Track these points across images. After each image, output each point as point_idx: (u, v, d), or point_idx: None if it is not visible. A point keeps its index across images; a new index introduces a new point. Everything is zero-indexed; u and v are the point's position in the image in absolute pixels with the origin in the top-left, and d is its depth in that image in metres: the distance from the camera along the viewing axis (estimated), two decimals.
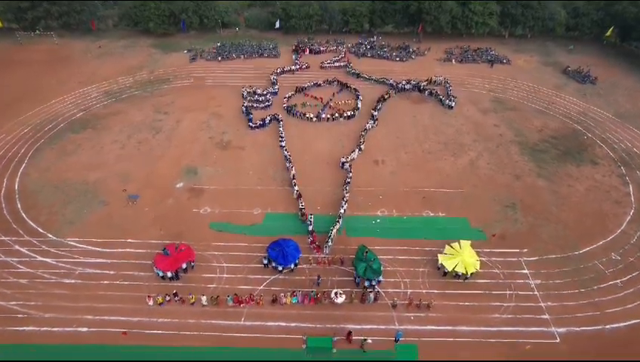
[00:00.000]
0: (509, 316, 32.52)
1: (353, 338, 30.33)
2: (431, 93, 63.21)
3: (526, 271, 36.09)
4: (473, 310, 32.95)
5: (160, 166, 48.35)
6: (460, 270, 34.21)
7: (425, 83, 64.88)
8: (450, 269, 34.22)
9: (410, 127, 56.00)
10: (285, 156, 48.75)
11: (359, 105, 59.09)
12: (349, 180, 44.73)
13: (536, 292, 34.32)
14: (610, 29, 75.49)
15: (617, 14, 76.80)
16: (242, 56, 75.38)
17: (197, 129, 55.30)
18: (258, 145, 52.16)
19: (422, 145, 52.45)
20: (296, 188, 43.79)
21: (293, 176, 45.46)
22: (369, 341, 30.39)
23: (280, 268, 35.31)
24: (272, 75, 66.97)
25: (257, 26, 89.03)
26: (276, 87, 63.84)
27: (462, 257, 34.64)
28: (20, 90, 63.43)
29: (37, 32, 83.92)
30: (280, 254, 34.76)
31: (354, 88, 63.73)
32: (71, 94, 63.18)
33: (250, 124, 55.21)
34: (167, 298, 32.97)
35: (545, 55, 79.00)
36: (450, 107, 60.00)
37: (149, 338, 30.82)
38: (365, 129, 53.70)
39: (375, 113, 56.97)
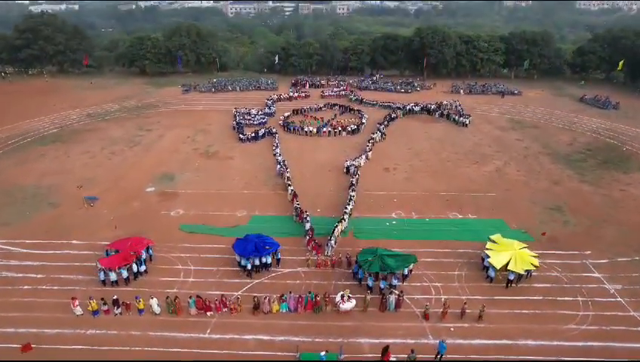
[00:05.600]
0: (592, 327, 22.74)
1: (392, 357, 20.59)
2: (442, 115, 57.73)
3: (598, 275, 26.80)
4: (537, 320, 23.26)
5: (131, 172, 40.95)
6: (526, 267, 25.36)
7: (434, 106, 59.74)
8: (522, 271, 25.22)
9: (422, 140, 49.45)
10: (279, 161, 41.50)
11: (364, 122, 53.20)
12: (355, 182, 36.99)
13: (619, 299, 24.80)
14: (621, 63, 72.43)
15: (626, 49, 74.45)
16: (238, 88, 71.53)
17: (180, 142, 48.78)
18: (249, 155, 45.15)
19: (438, 155, 45.38)
20: (291, 188, 35.89)
21: (288, 178, 37.79)
22: (393, 360, 20.53)
23: (257, 263, 26.51)
24: (267, 99, 62.14)
25: (255, 68, 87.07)
26: (273, 108, 58.61)
27: (515, 252, 25.86)
28: None
29: (29, 72, 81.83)
30: (252, 248, 26.07)
31: (357, 110, 58.47)
32: (50, 115, 57.91)
33: (241, 136, 48.76)
34: (105, 305, 23.45)
35: (556, 89, 75.06)
36: (465, 124, 54.01)
37: (68, 355, 20.95)
38: (372, 137, 47.09)
39: (382, 126, 50.83)
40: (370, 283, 25.09)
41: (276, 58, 78.81)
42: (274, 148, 44.86)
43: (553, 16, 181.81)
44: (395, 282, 24.91)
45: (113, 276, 25.44)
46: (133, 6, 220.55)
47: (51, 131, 52.15)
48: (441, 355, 20.37)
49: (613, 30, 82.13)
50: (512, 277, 25.34)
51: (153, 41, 78.97)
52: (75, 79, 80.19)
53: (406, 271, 25.34)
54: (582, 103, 65.92)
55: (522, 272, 25.28)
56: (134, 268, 26.00)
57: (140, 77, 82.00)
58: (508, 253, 25.78)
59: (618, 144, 49.18)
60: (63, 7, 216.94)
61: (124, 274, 25.63)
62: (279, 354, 21.14)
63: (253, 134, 48.97)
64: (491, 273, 25.85)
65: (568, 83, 79.86)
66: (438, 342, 20.78)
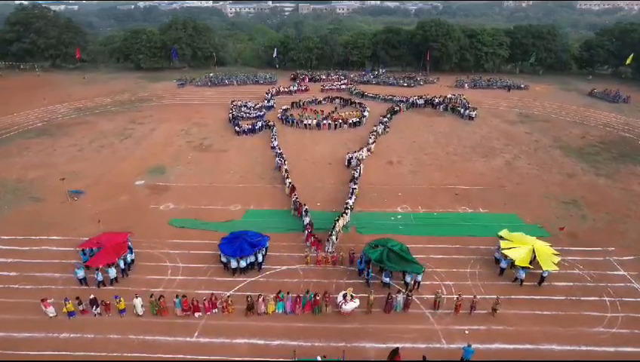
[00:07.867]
0: (623, 331, 20.48)
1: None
2: (447, 108, 55.53)
3: (624, 273, 24.56)
4: (561, 322, 20.98)
5: (120, 166, 38.69)
6: (555, 260, 23.46)
7: (439, 99, 57.47)
8: (553, 267, 23.10)
9: (427, 134, 47.15)
10: (276, 153, 39.28)
11: (366, 115, 50.96)
12: (357, 175, 34.73)
13: None
14: (630, 56, 70.23)
15: (635, 43, 72.31)
16: (235, 82, 69.34)
17: (173, 135, 46.50)
18: (245, 149, 42.90)
19: (444, 148, 43.11)
20: (288, 180, 33.63)
21: (286, 170, 35.53)
22: None
23: (243, 263, 24.10)
24: (266, 93, 59.90)
25: (254, 63, 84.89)
26: (272, 101, 56.37)
27: (535, 247, 23.78)
28: None
29: (21, 67, 79.62)
30: (247, 245, 23.88)
31: (359, 103, 56.26)
32: (38, 109, 55.64)
33: (237, 128, 46.54)
34: (81, 306, 21.15)
35: (563, 84, 72.92)
36: (471, 117, 51.79)
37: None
38: (375, 130, 44.90)
39: (385, 119, 48.62)
40: (359, 265, 23.81)
41: (275, 52, 76.49)
42: (272, 141, 42.64)
43: (554, 16, 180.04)
44: (385, 279, 22.79)
45: (113, 272, 23.26)
46: (132, 6, 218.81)
47: (37, 125, 49.86)
48: (467, 361, 18.07)
49: (622, 24, 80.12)
50: (545, 275, 23.21)
51: (148, 34, 76.69)
52: (67, 74, 78.02)
53: (408, 279, 22.88)
54: (591, 97, 63.80)
55: (556, 268, 23.13)
56: (128, 258, 24.28)
57: (134, 71, 79.84)
58: (529, 250, 23.66)
59: (633, 137, 47.00)
60: (62, 7, 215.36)
61: (122, 265, 23.78)
62: (274, 359, 18.86)
63: (249, 127, 46.76)
64: (521, 274, 23.31)
65: (574, 78, 77.79)
66: (463, 347, 18.46)
